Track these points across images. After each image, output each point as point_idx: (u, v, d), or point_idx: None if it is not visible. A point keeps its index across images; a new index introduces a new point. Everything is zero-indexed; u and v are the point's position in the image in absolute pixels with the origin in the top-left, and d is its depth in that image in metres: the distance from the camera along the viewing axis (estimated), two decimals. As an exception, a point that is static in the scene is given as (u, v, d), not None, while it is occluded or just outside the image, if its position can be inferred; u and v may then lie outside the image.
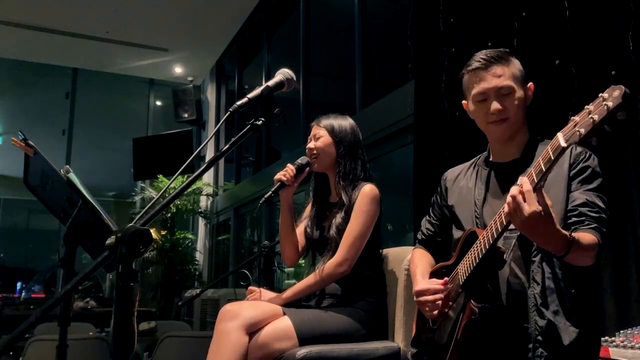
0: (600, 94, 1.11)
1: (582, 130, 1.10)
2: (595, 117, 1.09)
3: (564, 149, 1.14)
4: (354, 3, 4.69)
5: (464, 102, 1.64)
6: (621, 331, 1.66)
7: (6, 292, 8.95)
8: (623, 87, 1.08)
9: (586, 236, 1.32)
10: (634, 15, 2.00)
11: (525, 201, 1.20)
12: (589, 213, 1.37)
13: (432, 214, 1.80)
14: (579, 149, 1.47)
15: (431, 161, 2.97)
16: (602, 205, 1.39)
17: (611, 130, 1.10)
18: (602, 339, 1.59)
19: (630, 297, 1.94)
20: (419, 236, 1.84)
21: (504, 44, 2.50)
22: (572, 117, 1.15)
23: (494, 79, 1.52)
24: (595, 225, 1.36)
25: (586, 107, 1.13)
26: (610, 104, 1.08)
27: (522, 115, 1.55)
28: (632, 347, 1.54)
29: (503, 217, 1.30)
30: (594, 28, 2.15)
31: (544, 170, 1.19)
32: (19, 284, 9.83)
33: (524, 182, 1.22)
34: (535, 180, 1.21)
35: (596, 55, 2.13)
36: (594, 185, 1.42)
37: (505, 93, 1.51)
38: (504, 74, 1.52)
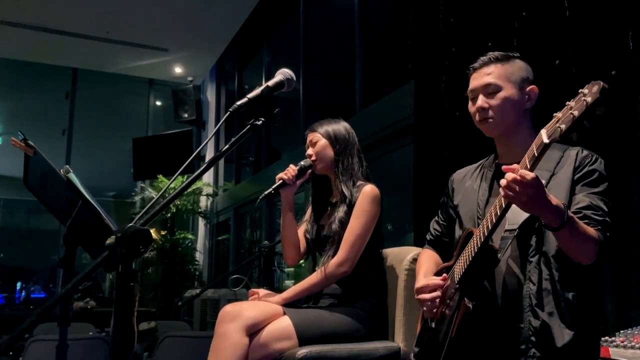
0: (580, 90, 1.13)
1: (563, 126, 1.12)
2: (575, 112, 1.11)
3: (546, 145, 1.16)
4: (354, 3, 4.69)
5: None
6: (621, 331, 1.66)
7: (8, 292, 8.95)
8: (601, 83, 1.10)
9: (587, 227, 1.32)
10: (634, 15, 2.00)
11: (520, 176, 1.21)
12: (593, 216, 1.37)
13: (440, 215, 1.81)
14: (586, 152, 1.47)
15: (431, 161, 2.97)
16: (606, 209, 1.39)
17: (590, 125, 1.12)
18: (602, 338, 1.59)
19: (630, 297, 1.94)
20: (427, 237, 1.84)
21: (504, 44, 2.50)
22: (555, 114, 1.17)
23: (483, 77, 1.54)
24: (599, 227, 1.35)
25: (567, 103, 1.15)
26: (589, 99, 1.09)
27: (513, 115, 1.52)
28: (632, 347, 1.53)
29: (497, 208, 1.31)
30: (594, 28, 2.15)
31: (528, 167, 1.21)
32: (18, 284, 9.82)
33: (514, 168, 1.24)
34: None
35: (596, 55, 2.13)
36: (599, 189, 1.41)
37: (491, 91, 1.52)
38: (492, 73, 1.53)
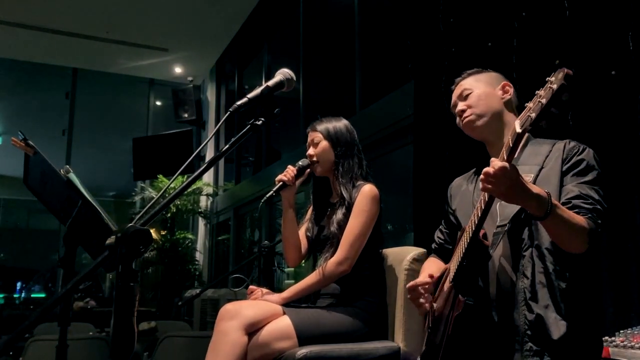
0: (547, 78, 1.18)
1: (534, 115, 1.17)
2: (544, 100, 1.15)
3: (519, 135, 1.20)
4: (354, 3, 4.69)
5: None
6: (621, 331, 1.66)
7: (8, 292, 8.96)
8: (566, 69, 1.14)
9: (575, 215, 1.33)
10: (634, 15, 2.00)
11: (494, 167, 1.23)
12: (583, 205, 1.37)
13: (443, 223, 1.84)
14: (573, 143, 1.49)
15: (431, 161, 2.97)
16: (597, 197, 1.39)
17: (558, 112, 1.16)
18: (602, 338, 1.58)
19: (630, 297, 1.94)
20: (433, 246, 1.87)
21: (504, 44, 2.50)
22: (527, 104, 1.21)
23: (458, 89, 1.67)
24: (590, 215, 1.35)
25: (537, 92, 1.19)
26: (554, 86, 1.14)
27: (490, 108, 1.59)
28: (632, 347, 1.53)
29: (482, 202, 1.33)
30: (594, 28, 2.15)
31: (505, 157, 1.24)
32: (18, 284, 9.83)
33: (491, 161, 1.27)
34: None
35: (596, 55, 2.13)
36: (588, 178, 1.42)
37: (465, 94, 1.64)
38: (464, 83, 1.67)
